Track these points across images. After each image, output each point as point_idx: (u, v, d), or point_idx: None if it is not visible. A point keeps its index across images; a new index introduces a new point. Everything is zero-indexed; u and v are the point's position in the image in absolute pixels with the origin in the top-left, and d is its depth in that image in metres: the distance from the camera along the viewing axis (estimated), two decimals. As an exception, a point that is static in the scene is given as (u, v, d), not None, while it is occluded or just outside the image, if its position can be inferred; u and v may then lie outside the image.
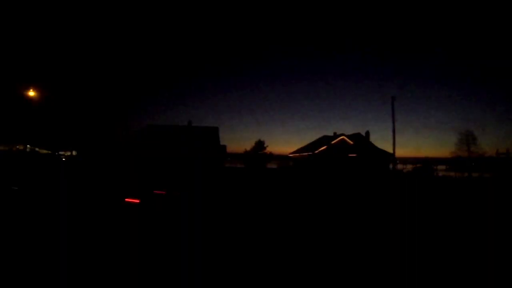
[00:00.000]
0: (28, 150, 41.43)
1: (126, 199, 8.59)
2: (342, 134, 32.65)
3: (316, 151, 30.05)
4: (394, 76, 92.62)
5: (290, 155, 39.23)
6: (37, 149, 43.53)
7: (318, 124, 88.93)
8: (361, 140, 33.71)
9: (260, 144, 37.10)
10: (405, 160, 42.65)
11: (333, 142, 30.40)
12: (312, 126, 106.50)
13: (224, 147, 34.15)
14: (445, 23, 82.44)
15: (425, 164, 35.68)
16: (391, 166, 35.13)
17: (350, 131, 37.25)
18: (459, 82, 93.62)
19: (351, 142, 30.50)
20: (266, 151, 37.20)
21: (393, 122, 37.40)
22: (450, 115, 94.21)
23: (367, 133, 37.00)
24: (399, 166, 45.13)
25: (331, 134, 37.77)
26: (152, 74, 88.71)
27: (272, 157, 37.80)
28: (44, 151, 43.46)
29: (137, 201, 8.64)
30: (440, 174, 37.17)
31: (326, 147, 30.04)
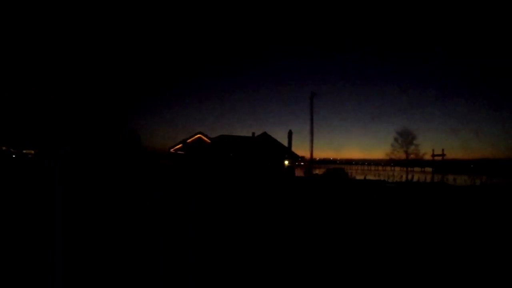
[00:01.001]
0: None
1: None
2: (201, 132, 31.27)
3: (172, 149, 30.26)
4: (316, 75, 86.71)
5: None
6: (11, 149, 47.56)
7: (249, 124, 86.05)
8: (262, 140, 33.01)
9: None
10: (324, 162, 40.29)
11: (189, 140, 30.28)
12: (243, 127, 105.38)
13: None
14: (378, 19, 76.13)
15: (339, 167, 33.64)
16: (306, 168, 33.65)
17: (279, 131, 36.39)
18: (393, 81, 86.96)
19: (208, 141, 30.14)
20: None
21: (311, 120, 35.92)
22: (387, 115, 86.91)
23: (290, 132, 35.82)
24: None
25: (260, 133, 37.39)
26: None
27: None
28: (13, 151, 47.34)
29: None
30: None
31: (182, 146, 30.08)
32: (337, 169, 32.03)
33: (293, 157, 33.16)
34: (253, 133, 37.04)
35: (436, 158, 35.45)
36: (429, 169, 38.42)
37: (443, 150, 35.54)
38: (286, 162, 33.07)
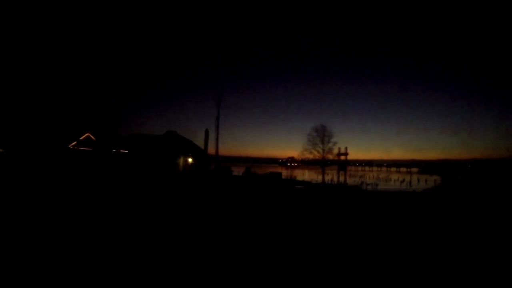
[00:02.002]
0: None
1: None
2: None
3: (70, 145, 32.82)
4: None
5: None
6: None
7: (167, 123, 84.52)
8: (167, 138, 34.22)
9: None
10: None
11: (81, 138, 32.50)
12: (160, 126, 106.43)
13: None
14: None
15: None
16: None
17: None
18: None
19: (94, 138, 32.16)
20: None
21: (217, 118, 35.70)
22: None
23: (206, 131, 36.28)
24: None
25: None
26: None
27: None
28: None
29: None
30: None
31: (76, 142, 32.41)
32: (225, 166, 32.10)
33: (198, 154, 33.84)
34: (175, 132, 38.81)
35: (341, 157, 32.53)
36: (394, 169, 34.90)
37: (346, 148, 32.89)
38: (190, 160, 34.00)
